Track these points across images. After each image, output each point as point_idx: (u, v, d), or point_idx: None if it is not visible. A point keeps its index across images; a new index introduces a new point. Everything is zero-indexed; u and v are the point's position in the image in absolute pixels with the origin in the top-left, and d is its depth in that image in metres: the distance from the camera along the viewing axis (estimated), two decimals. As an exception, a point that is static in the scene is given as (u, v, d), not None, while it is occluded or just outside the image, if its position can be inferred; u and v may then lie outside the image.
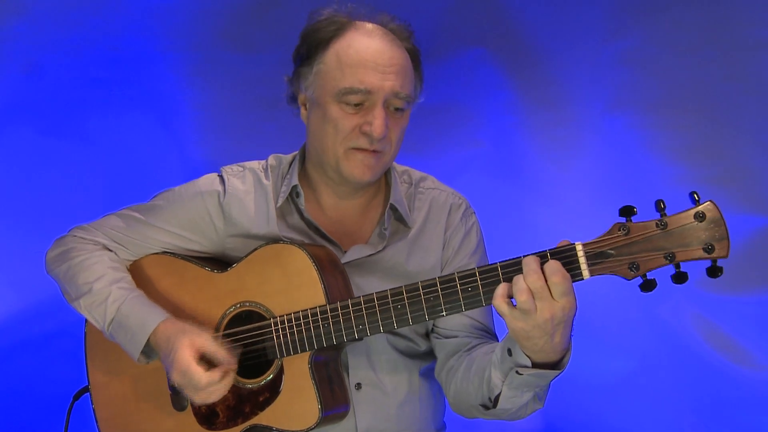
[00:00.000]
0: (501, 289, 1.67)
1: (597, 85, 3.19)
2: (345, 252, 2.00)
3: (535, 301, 1.63)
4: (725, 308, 3.08)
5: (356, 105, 1.89)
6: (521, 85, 3.27)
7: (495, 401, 1.84)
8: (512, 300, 1.67)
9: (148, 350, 1.97)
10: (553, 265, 1.63)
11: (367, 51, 1.89)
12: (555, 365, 1.75)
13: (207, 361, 1.87)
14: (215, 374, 1.85)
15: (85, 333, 2.13)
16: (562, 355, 1.74)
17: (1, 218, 3.20)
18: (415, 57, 1.97)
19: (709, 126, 3.11)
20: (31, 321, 3.18)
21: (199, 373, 1.84)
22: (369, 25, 1.93)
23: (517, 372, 1.75)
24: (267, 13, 3.28)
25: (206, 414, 1.96)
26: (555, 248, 1.67)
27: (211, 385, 1.85)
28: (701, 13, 3.09)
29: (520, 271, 1.66)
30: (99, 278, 2.01)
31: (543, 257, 1.66)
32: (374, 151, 1.91)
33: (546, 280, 1.63)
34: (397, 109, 1.91)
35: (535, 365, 1.74)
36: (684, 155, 3.12)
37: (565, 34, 3.22)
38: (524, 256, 1.67)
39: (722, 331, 3.10)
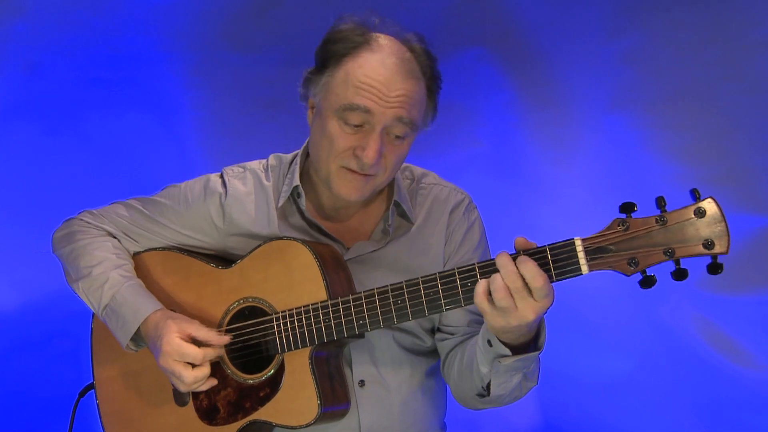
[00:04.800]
0: (481, 286, 1.66)
1: (597, 84, 3.19)
2: (348, 249, 2.01)
3: (515, 301, 1.64)
4: (725, 308, 3.08)
5: (356, 126, 1.86)
6: (521, 85, 3.27)
7: (488, 389, 1.87)
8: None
9: (137, 338, 2.00)
10: (532, 270, 1.63)
11: (377, 76, 1.83)
12: (533, 345, 1.78)
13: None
14: (209, 351, 1.89)
15: (91, 329, 2.16)
16: (537, 333, 1.77)
17: (2, 217, 3.20)
18: (433, 88, 1.92)
19: (709, 126, 3.11)
20: (32, 319, 3.18)
21: (194, 349, 1.87)
22: (387, 48, 1.86)
23: (500, 360, 1.78)
24: (267, 13, 3.28)
25: (207, 409, 1.98)
26: (555, 243, 1.66)
27: (206, 358, 1.88)
28: (701, 13, 3.09)
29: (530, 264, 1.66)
30: (99, 263, 2.04)
31: (534, 253, 1.66)
32: (365, 175, 1.90)
33: (525, 281, 1.63)
34: (398, 137, 1.89)
35: (515, 351, 1.76)
36: (684, 155, 3.12)
37: (565, 34, 3.22)
38: (498, 256, 1.66)
39: (722, 331, 3.10)
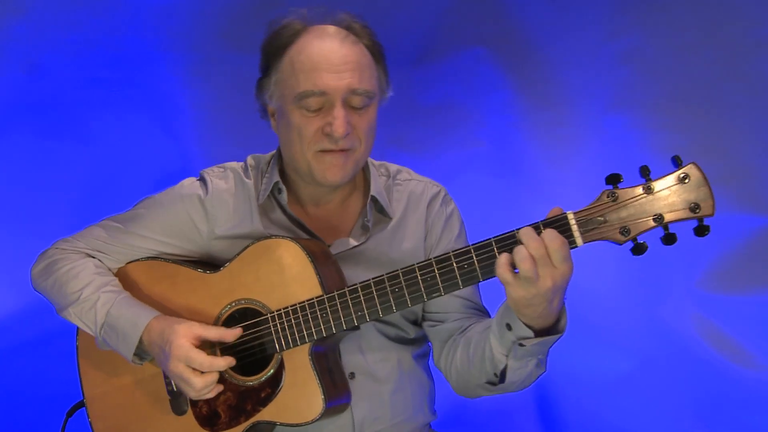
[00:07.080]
0: (504, 258, 1.68)
1: (597, 84, 3.19)
2: (329, 246, 2.01)
3: (537, 269, 1.66)
4: (725, 308, 3.08)
5: (316, 109, 1.89)
6: (521, 85, 3.28)
7: (502, 376, 1.86)
8: (515, 269, 1.69)
9: (140, 351, 1.97)
10: (551, 233, 1.66)
11: (319, 53, 1.88)
12: (554, 329, 1.78)
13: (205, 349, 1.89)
14: (216, 357, 1.87)
15: (76, 346, 2.11)
16: (558, 317, 1.77)
17: (2, 218, 3.20)
18: (375, 52, 1.95)
19: (709, 126, 3.11)
20: (32, 320, 3.18)
21: (202, 356, 1.85)
22: (323, 28, 1.92)
23: (520, 344, 1.78)
24: (267, 13, 3.26)
25: (207, 415, 1.95)
26: (546, 218, 1.70)
27: (213, 367, 1.86)
28: (701, 13, 3.10)
29: (514, 244, 1.68)
30: (86, 285, 2.01)
31: (536, 228, 1.69)
32: (342, 150, 1.91)
33: (546, 248, 1.66)
34: (358, 107, 1.91)
35: (537, 333, 1.77)
36: (684, 155, 3.11)
37: (565, 34, 3.23)
38: (518, 229, 1.69)
39: (722, 331, 3.10)
